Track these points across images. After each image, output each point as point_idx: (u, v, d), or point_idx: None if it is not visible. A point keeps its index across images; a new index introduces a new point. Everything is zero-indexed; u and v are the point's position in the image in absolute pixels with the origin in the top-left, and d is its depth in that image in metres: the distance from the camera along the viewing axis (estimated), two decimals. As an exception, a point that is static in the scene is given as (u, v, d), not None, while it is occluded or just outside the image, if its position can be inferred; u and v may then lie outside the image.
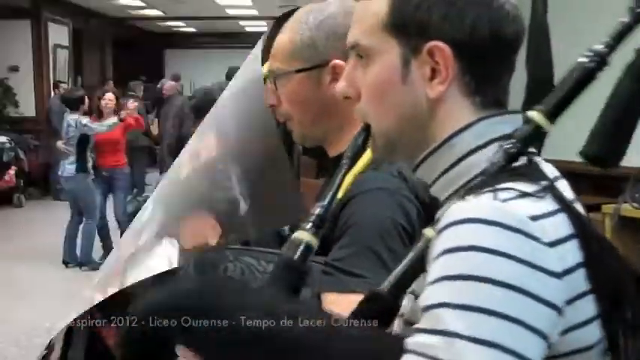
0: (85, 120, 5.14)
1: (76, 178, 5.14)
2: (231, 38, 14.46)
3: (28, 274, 5.05)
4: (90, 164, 5.17)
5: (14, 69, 8.53)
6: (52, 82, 8.74)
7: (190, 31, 14.16)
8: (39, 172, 8.33)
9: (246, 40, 14.68)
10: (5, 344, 3.72)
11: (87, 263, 5.20)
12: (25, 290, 4.68)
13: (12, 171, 7.50)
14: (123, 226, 5.25)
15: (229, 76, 5.22)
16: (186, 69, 13.02)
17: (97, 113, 5.42)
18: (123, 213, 5.29)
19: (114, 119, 5.21)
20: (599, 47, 0.60)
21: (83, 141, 5.11)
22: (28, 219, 7.19)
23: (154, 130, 8.19)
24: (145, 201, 5.92)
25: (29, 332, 3.89)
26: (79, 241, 5.27)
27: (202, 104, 3.32)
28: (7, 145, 7.57)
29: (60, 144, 5.30)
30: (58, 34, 9.11)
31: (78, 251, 5.26)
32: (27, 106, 8.58)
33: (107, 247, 5.27)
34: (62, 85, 8.60)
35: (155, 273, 1.14)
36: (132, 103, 5.65)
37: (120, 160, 5.43)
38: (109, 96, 5.36)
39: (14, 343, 3.73)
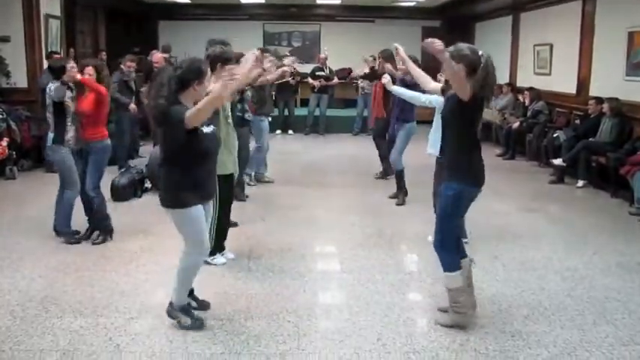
0: (53, 86, 4.94)
1: (52, 148, 5.06)
2: (226, 10, 14.30)
3: (22, 246, 5.06)
4: (69, 135, 4.99)
5: (5, 39, 8.41)
6: (44, 52, 8.62)
7: (185, 2, 13.97)
8: (31, 143, 8.27)
9: (241, 12, 14.58)
10: (-1, 314, 3.74)
11: (61, 233, 5.15)
12: (18, 261, 4.69)
13: (4, 142, 7.44)
14: (92, 201, 5.16)
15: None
16: (181, 41, 12.86)
17: (78, 88, 5.10)
18: (92, 189, 5.13)
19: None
20: None
21: (59, 111, 4.97)
22: (21, 191, 7.18)
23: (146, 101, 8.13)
24: (138, 173, 6.01)
25: (23, 303, 3.92)
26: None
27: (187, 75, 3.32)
28: (-1, 116, 7.52)
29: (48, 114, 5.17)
30: (50, 4, 8.96)
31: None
32: (19, 77, 8.49)
33: (93, 220, 5.25)
34: (55, 56, 8.47)
35: None
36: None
37: (97, 132, 5.13)
38: (89, 70, 5.05)
39: (8, 314, 3.75)
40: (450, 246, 3.57)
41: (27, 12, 8.43)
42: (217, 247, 4.59)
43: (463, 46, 3.39)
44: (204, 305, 3.83)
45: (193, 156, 3.34)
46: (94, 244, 5.07)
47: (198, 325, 3.54)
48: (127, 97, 8.04)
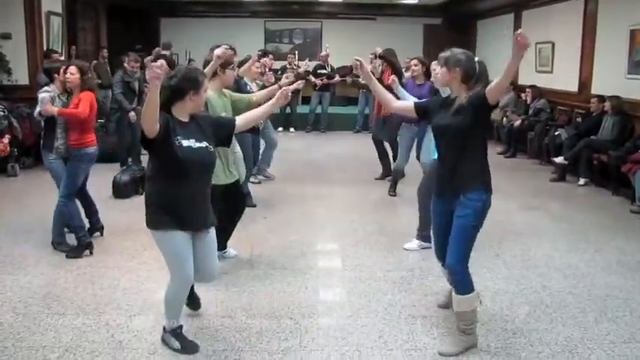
0: (40, 95, 4.79)
1: (43, 154, 4.93)
2: (227, 7, 14.29)
3: (24, 243, 5.07)
4: (58, 142, 4.78)
5: (6, 36, 8.40)
6: (45, 49, 8.61)
7: (186, 0, 13.97)
8: (33, 141, 8.26)
9: (242, 9, 14.57)
10: (1, 311, 3.74)
11: (57, 243, 4.92)
12: (20, 259, 4.70)
13: (6, 140, 7.45)
14: (62, 208, 4.84)
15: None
16: (182, 38, 12.89)
17: (62, 89, 4.88)
18: (61, 195, 4.82)
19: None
20: None
21: (49, 117, 4.78)
22: (23, 188, 7.18)
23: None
24: (140, 171, 5.94)
25: (26, 300, 3.92)
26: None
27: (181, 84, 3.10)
28: (1, 113, 7.52)
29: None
30: (51, 1, 8.96)
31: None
32: (20, 74, 8.49)
33: (92, 222, 5.15)
34: (54, 54, 8.45)
35: None
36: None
37: (81, 138, 4.77)
38: (72, 70, 4.73)
39: (11, 311, 3.76)
40: (467, 263, 3.27)
41: (28, 9, 8.43)
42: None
43: (458, 52, 3.28)
44: (195, 303, 3.71)
45: (168, 173, 3.07)
46: (67, 257, 4.73)
47: (190, 349, 3.28)
48: (130, 98, 7.87)
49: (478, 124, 3.22)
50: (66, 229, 5.01)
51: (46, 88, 4.91)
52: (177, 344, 3.29)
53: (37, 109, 4.85)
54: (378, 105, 7.61)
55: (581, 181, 7.69)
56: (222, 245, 4.63)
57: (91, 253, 4.80)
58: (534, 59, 10.70)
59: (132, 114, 7.84)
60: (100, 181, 6.74)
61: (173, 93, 3.07)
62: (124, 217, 5.78)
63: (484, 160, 3.30)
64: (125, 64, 7.96)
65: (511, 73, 3.03)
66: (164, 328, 3.37)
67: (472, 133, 3.22)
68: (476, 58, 3.30)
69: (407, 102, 3.72)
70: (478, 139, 3.27)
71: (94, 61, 10.82)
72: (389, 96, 3.69)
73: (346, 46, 13.21)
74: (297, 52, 12.84)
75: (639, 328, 3.64)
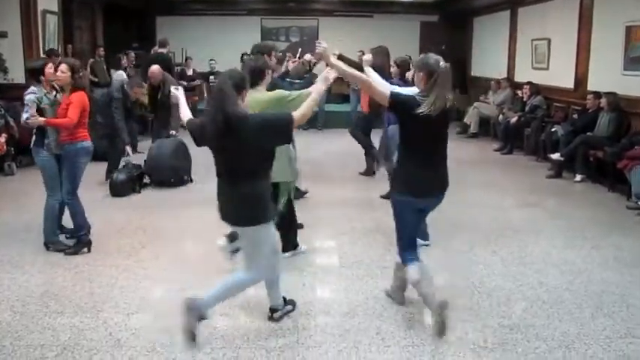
0: (27, 96, 4.67)
1: (34, 151, 4.83)
2: (224, 5, 14.27)
3: (21, 241, 5.06)
4: (50, 139, 4.70)
5: (2, 35, 8.38)
6: (41, 48, 8.59)
7: (183, -2, 13.97)
8: (29, 139, 8.23)
9: (239, 7, 14.55)
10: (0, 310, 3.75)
11: (50, 243, 4.87)
12: (18, 257, 4.69)
13: (2, 139, 7.44)
14: (69, 207, 4.85)
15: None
16: (179, 36, 12.86)
17: (50, 87, 4.77)
18: (66, 194, 4.79)
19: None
20: None
21: (38, 114, 4.65)
22: (20, 187, 7.16)
23: (145, 98, 8.02)
24: (136, 168, 5.88)
25: (23, 299, 3.92)
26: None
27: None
28: (-2, 112, 7.50)
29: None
30: (47, -1, 8.95)
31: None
32: (16, 73, 8.46)
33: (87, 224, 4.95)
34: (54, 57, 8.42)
35: None
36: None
37: (72, 134, 4.69)
38: (62, 68, 4.64)
39: (9, 309, 3.76)
40: (403, 245, 3.58)
41: (24, 7, 8.40)
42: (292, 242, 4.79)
43: (430, 56, 3.47)
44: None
45: (271, 162, 3.31)
46: (65, 254, 4.74)
47: (189, 337, 3.22)
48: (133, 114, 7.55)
49: (401, 126, 3.53)
50: (67, 235, 4.97)
51: (32, 89, 4.74)
52: (193, 325, 3.19)
53: (24, 115, 4.67)
54: (368, 102, 7.67)
55: (578, 177, 7.71)
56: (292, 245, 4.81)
57: (88, 250, 4.81)
58: (531, 56, 10.72)
59: (127, 148, 7.15)
60: (96, 179, 6.76)
61: (236, 89, 3.18)
62: (121, 216, 5.78)
63: (405, 162, 3.54)
64: (127, 90, 7.17)
65: (351, 80, 3.77)
66: (193, 301, 3.23)
67: (401, 134, 3.55)
68: (441, 63, 3.39)
69: None
70: (403, 142, 3.55)
71: (91, 60, 10.81)
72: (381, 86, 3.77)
73: (343, 43, 13.21)
74: (300, 49, 12.78)
75: (636, 324, 3.66)
